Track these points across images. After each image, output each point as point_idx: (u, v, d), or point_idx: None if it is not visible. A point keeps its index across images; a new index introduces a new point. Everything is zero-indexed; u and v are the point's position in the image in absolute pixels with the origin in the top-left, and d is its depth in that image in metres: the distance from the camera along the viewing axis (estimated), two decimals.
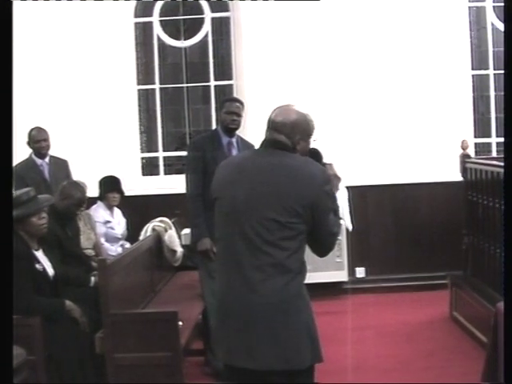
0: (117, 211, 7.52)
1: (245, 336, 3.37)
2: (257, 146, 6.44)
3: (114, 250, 7.20)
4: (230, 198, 3.42)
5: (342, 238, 8.14)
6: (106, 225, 7.29)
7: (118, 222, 7.48)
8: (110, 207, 7.43)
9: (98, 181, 7.47)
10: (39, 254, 5.14)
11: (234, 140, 5.90)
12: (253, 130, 8.30)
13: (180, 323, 4.86)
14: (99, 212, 7.30)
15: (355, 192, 8.39)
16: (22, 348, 4.67)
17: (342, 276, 8.22)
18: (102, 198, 7.43)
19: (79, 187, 6.09)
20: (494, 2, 8.84)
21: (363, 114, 8.44)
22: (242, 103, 6.07)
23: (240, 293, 3.36)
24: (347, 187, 8.10)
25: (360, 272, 8.46)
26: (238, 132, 6.08)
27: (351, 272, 8.38)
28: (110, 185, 7.47)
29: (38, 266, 5.05)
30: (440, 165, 8.28)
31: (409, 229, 8.48)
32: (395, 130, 8.45)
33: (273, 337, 3.33)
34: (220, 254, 3.53)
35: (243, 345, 3.38)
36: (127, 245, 7.27)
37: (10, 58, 4.10)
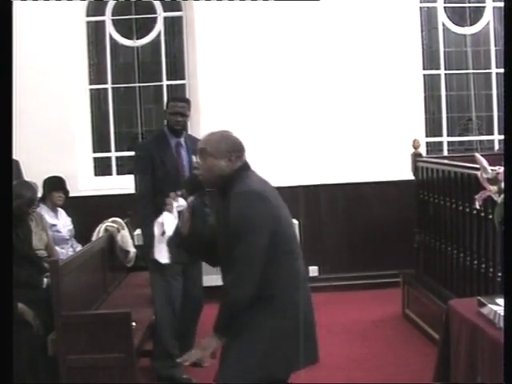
0: (61, 212, 7.41)
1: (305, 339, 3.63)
2: None
3: (64, 252, 7.09)
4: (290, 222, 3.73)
5: None
6: (52, 228, 7.12)
7: (64, 224, 7.36)
8: (53, 208, 7.31)
9: (42, 181, 7.35)
10: None
11: (181, 140, 5.76)
12: (206, 129, 8.29)
13: (133, 324, 4.84)
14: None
15: (308, 191, 8.44)
16: None
17: None
18: (44, 198, 7.30)
19: (30, 187, 6.00)
20: (445, 2, 8.94)
21: (316, 113, 8.47)
22: (187, 102, 5.92)
23: (306, 299, 3.68)
24: (301, 186, 8.21)
25: (313, 271, 8.47)
26: (191, 130, 6.02)
27: None
28: (55, 184, 7.37)
29: None
30: (392, 164, 8.34)
31: (361, 227, 8.53)
32: (347, 129, 8.50)
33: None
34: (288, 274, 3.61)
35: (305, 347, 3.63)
36: (77, 245, 7.22)
37: (10, 58, 4.04)
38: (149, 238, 5.60)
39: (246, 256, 3.43)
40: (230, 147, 3.68)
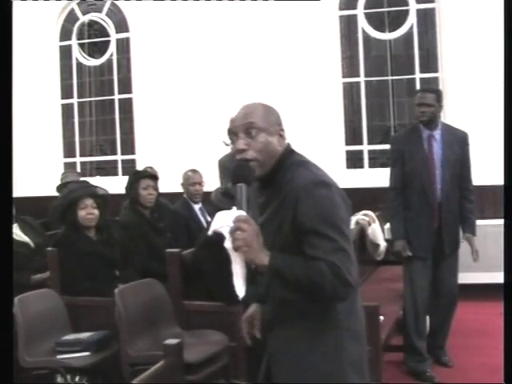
0: None
1: None
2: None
3: None
4: None
5: None
6: None
7: None
8: None
9: None
10: None
11: (436, 132, 5.55)
12: (460, 123, 8.11)
13: (381, 318, 4.80)
14: None
15: None
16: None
17: None
18: None
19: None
20: None
21: None
22: (435, 92, 5.67)
23: None
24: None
25: None
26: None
27: None
28: None
29: None
30: None
31: None
32: None
33: None
34: None
35: None
36: None
37: (10, 59, 4.10)
38: (395, 230, 5.60)
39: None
40: (278, 119, 2.96)
